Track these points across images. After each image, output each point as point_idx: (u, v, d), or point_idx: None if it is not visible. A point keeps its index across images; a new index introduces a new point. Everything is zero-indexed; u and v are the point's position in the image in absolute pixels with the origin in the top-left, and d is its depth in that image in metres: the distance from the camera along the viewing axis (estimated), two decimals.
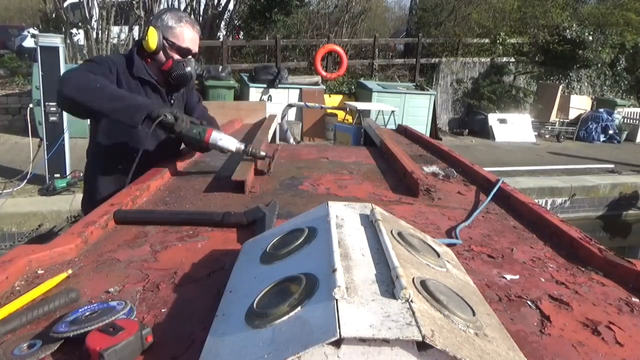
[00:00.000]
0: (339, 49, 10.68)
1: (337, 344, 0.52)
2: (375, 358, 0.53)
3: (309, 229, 0.84)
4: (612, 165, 8.90)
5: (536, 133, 11.48)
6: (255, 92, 9.32)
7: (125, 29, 9.90)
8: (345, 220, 0.85)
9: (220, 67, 9.33)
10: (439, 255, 0.83)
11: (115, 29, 9.79)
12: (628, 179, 8.05)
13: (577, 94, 12.53)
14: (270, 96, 9.35)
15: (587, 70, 12.61)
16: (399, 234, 0.82)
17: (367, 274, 0.66)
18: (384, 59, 12.82)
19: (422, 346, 0.53)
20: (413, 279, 0.65)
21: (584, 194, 7.53)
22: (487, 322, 0.66)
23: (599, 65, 12.48)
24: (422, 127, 9.69)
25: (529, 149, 10.36)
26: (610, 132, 11.66)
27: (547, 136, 11.80)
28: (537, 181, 7.54)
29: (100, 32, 9.47)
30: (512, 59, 12.33)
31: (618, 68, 12.87)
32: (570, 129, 11.78)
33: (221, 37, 11.76)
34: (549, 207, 7.00)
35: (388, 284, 0.63)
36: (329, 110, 9.26)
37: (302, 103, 8.65)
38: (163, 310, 0.81)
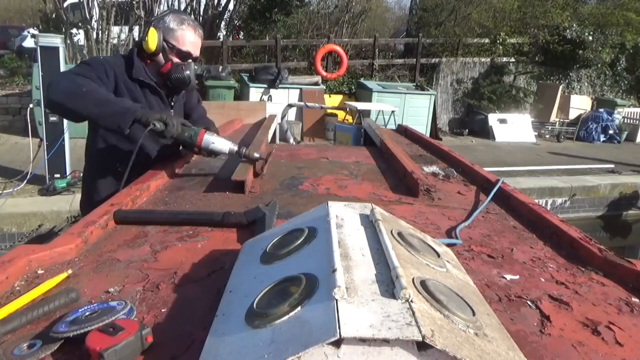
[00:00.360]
0: (339, 49, 10.67)
1: (337, 344, 0.52)
2: (375, 358, 0.53)
3: (309, 229, 0.84)
4: (612, 166, 8.91)
5: (536, 133, 11.48)
6: (255, 92, 9.32)
7: (126, 29, 9.89)
8: (345, 220, 0.85)
9: (220, 67, 9.33)
10: (439, 255, 0.83)
11: (115, 29, 9.79)
12: (628, 179, 8.05)
13: (577, 94, 12.53)
14: (270, 96, 9.35)
15: (587, 70, 12.62)
16: (399, 234, 0.82)
17: (367, 274, 0.66)
18: (384, 59, 12.80)
19: (422, 346, 0.53)
20: (413, 279, 0.65)
21: (584, 194, 7.53)
22: (487, 322, 0.66)
23: (599, 65, 12.48)
24: (422, 127, 9.69)
25: (529, 149, 10.36)
26: (611, 132, 11.66)
27: (547, 136, 11.80)
28: (537, 181, 7.54)
29: (100, 32, 9.46)
30: (512, 59, 12.33)
31: (618, 68, 12.87)
32: (571, 129, 11.78)
33: (221, 37, 11.76)
34: (549, 207, 7.00)
35: (388, 284, 0.63)
36: (329, 110, 9.26)
37: (302, 103, 8.65)
38: (163, 310, 0.81)
